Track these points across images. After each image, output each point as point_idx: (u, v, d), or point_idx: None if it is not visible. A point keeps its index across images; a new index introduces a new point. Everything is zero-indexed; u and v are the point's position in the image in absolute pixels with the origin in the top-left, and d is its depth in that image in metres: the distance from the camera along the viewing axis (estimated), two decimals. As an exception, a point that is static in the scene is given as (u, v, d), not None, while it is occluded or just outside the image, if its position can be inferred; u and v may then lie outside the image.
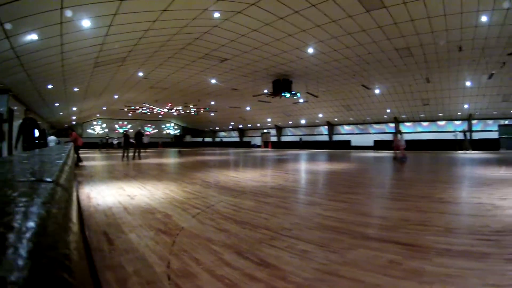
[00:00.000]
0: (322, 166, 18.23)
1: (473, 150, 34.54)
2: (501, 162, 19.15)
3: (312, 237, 4.70)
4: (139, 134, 24.41)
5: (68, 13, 12.06)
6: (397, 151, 20.89)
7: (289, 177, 12.53)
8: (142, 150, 25.01)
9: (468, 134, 36.43)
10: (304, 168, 17.20)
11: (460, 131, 36.25)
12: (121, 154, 23.64)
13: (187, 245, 4.37)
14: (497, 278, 3.31)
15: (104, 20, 13.67)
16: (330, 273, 3.42)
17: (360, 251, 4.13)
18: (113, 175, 13.49)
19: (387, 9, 15.06)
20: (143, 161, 21.73)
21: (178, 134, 63.57)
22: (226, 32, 17.39)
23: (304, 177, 13.30)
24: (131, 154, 23.30)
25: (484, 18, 16.41)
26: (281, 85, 27.80)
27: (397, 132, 22.48)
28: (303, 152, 35.62)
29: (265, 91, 29.72)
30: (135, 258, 3.86)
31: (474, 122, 39.10)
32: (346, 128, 48.51)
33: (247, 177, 12.55)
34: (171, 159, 25.08)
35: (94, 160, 23.98)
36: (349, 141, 45.15)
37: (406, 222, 5.61)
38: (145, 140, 28.13)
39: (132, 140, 23.91)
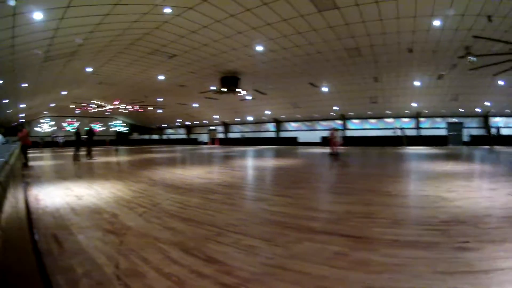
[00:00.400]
0: (269, 162, 18.32)
1: (410, 146, 35.86)
2: (448, 157, 19.90)
3: (258, 232, 4.78)
4: (91, 132, 22.93)
5: (20, 5, 11.66)
6: (334, 147, 21.31)
7: (235, 174, 12.57)
8: (92, 149, 23.61)
9: (405, 131, 37.71)
10: (251, 164, 17.26)
11: (399, 128, 37.74)
12: (69, 153, 22.29)
13: (135, 244, 4.34)
14: (446, 266, 3.48)
15: (56, 13, 13.22)
16: (276, 266, 3.49)
17: (306, 244, 4.23)
18: (60, 175, 13.01)
19: (339, 10, 15.29)
20: (90, 160, 20.85)
21: (122, 132, 61.59)
22: (176, 28, 17.20)
23: (250, 173, 13.34)
24: (82, 153, 21.61)
25: (437, 23, 16.96)
26: (229, 82, 27.77)
27: (334, 128, 22.95)
28: (250, 149, 35.33)
29: (213, 88, 29.54)
30: (84, 260, 3.79)
31: (422, 119, 40.75)
32: (293, 125, 48.83)
33: (193, 174, 12.51)
34: (118, 157, 24.49)
35: (42, 160, 23.02)
36: (296, 138, 45.23)
37: (352, 215, 5.77)
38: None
39: (84, 137, 22.66)
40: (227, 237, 4.53)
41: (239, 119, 52.66)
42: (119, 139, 54.33)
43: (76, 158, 20.20)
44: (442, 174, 11.67)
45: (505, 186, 8.93)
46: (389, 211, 6.02)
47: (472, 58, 20.32)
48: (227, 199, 7.41)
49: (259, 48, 20.84)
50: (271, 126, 51.30)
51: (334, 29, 17.76)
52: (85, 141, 22.61)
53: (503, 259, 3.69)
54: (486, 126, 39.02)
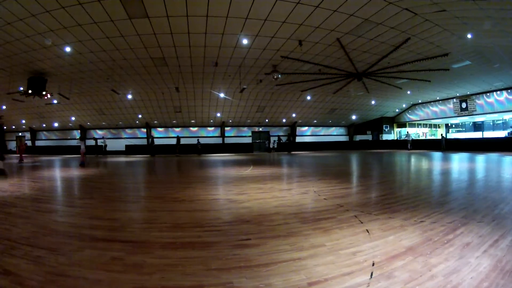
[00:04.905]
0: (69, 172, 17.47)
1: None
2: (249, 162, 21.69)
3: (46, 243, 4.87)
4: None
5: None
6: (22, 155, 21.25)
7: (35, 185, 11.88)
8: None
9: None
10: (52, 175, 16.19)
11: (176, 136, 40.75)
12: None
13: None
14: (222, 263, 3.98)
15: None
16: (59, 274, 3.72)
17: (86, 251, 4.51)
18: None
19: (149, 19, 15.59)
20: None
21: None
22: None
23: (49, 184, 12.59)
24: None
25: (245, 41, 18.41)
26: (36, 83, 25.71)
27: (21, 137, 23.22)
28: (56, 158, 32.69)
29: (20, 88, 27.03)
30: None
31: (227, 128, 43.68)
32: (99, 132, 46.87)
33: (-5, 187, 11.59)
34: None
35: None
36: (101, 146, 42.55)
37: (134, 222, 6.17)
38: None
39: None
40: (19, 250, 4.58)
41: (45, 125, 48.14)
42: None
43: None
44: (238, 178, 12.69)
45: (301, 186, 10.21)
46: (172, 216, 6.49)
47: (278, 75, 22.42)
48: (23, 212, 7.21)
49: (68, 49, 19.89)
50: (77, 134, 48.31)
51: (142, 37, 18.02)
52: None
53: (287, 252, 4.31)
54: (293, 134, 44.39)
